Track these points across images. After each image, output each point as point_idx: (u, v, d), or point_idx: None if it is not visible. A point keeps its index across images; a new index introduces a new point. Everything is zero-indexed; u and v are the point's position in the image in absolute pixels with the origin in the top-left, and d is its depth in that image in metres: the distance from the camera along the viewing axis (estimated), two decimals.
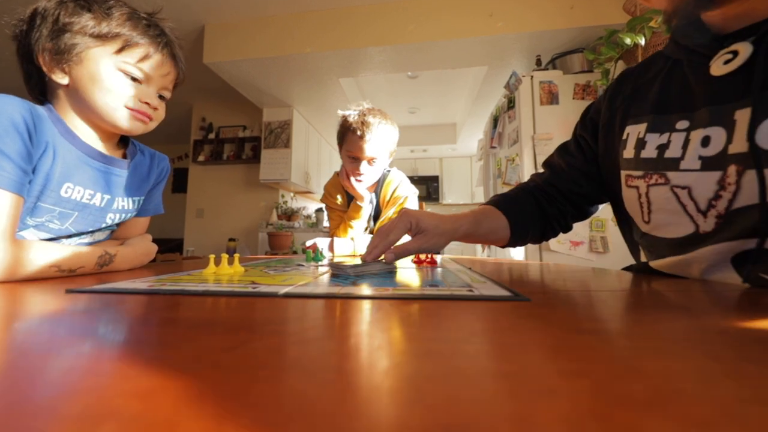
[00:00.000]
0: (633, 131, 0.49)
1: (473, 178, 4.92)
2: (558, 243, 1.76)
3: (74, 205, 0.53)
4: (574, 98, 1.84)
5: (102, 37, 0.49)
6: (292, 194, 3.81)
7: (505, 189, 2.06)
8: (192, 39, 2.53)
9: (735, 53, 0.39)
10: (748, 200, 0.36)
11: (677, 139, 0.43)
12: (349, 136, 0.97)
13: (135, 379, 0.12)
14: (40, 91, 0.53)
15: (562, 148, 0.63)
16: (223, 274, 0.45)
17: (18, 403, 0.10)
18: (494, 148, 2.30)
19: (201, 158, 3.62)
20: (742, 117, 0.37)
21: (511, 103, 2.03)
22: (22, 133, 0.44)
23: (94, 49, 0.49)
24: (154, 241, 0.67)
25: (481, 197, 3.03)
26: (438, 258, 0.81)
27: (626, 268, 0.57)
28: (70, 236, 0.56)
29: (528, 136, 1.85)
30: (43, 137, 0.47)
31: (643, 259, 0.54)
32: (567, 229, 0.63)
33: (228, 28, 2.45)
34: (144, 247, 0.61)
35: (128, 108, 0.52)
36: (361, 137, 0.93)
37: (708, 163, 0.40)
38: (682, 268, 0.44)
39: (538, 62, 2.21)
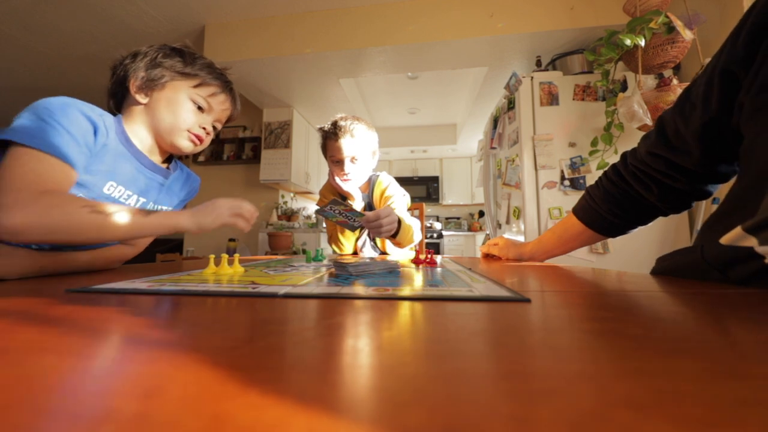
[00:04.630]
0: None
1: (473, 179, 4.91)
2: None
3: (111, 202, 0.59)
4: (574, 99, 1.84)
5: (185, 75, 0.63)
6: (292, 194, 3.81)
7: (505, 190, 2.06)
8: (192, 39, 2.54)
9: None
10: None
11: None
12: (327, 143, 1.07)
13: (135, 379, 0.12)
14: (116, 106, 0.65)
15: (677, 107, 0.52)
16: (223, 274, 0.45)
17: (18, 402, 0.10)
18: (494, 148, 2.29)
19: (201, 158, 3.62)
20: None
21: (511, 104, 2.03)
22: (87, 128, 0.53)
23: (177, 81, 0.62)
24: (155, 241, 0.69)
25: (481, 198, 3.03)
26: (438, 258, 0.81)
27: (683, 250, 0.48)
28: None
29: (528, 137, 1.84)
30: (104, 139, 0.56)
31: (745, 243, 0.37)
32: (685, 204, 0.57)
33: (228, 28, 2.45)
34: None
35: (188, 131, 0.64)
36: (337, 139, 1.03)
37: None
38: None
39: (538, 63, 2.21)
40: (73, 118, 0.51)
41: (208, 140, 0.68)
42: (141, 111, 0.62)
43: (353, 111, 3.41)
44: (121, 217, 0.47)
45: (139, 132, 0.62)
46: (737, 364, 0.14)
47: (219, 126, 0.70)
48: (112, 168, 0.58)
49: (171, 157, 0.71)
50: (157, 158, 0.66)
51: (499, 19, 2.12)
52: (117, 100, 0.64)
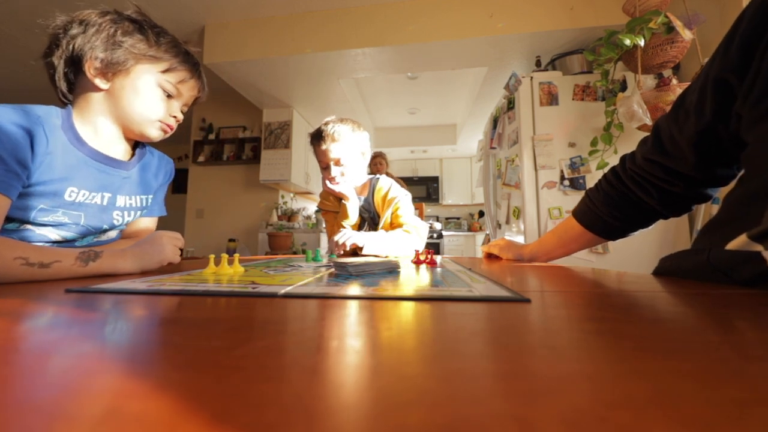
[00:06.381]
0: None
1: (473, 179, 4.92)
2: None
3: (77, 207, 0.56)
4: (573, 99, 1.84)
5: (151, 58, 0.56)
6: (292, 195, 3.81)
7: (505, 190, 2.06)
8: (192, 39, 2.53)
9: None
10: None
11: None
12: (314, 148, 1.09)
13: (135, 379, 0.12)
14: (68, 89, 0.57)
15: (672, 117, 0.52)
16: (223, 274, 0.45)
17: (18, 402, 0.10)
18: (494, 148, 2.29)
19: (201, 159, 3.62)
20: None
21: (510, 104, 2.03)
22: (21, 139, 0.47)
23: (143, 65, 0.56)
24: None
25: (480, 198, 3.04)
26: (438, 258, 0.81)
27: (684, 252, 0.48)
28: (84, 236, 0.60)
29: (528, 137, 1.84)
30: (43, 148, 0.50)
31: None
32: (685, 208, 0.56)
33: (228, 29, 2.45)
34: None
35: (159, 120, 0.59)
36: (319, 144, 1.05)
37: None
38: None
39: (538, 63, 2.21)
40: (3, 134, 0.46)
41: (176, 126, 0.64)
42: (101, 98, 0.56)
43: (353, 111, 3.42)
44: (55, 269, 0.43)
45: (98, 122, 0.57)
46: (737, 364, 0.14)
47: (185, 109, 0.65)
48: (67, 173, 0.53)
49: (137, 142, 0.66)
50: (122, 147, 0.61)
51: (499, 19, 2.13)
52: (68, 82, 0.56)
